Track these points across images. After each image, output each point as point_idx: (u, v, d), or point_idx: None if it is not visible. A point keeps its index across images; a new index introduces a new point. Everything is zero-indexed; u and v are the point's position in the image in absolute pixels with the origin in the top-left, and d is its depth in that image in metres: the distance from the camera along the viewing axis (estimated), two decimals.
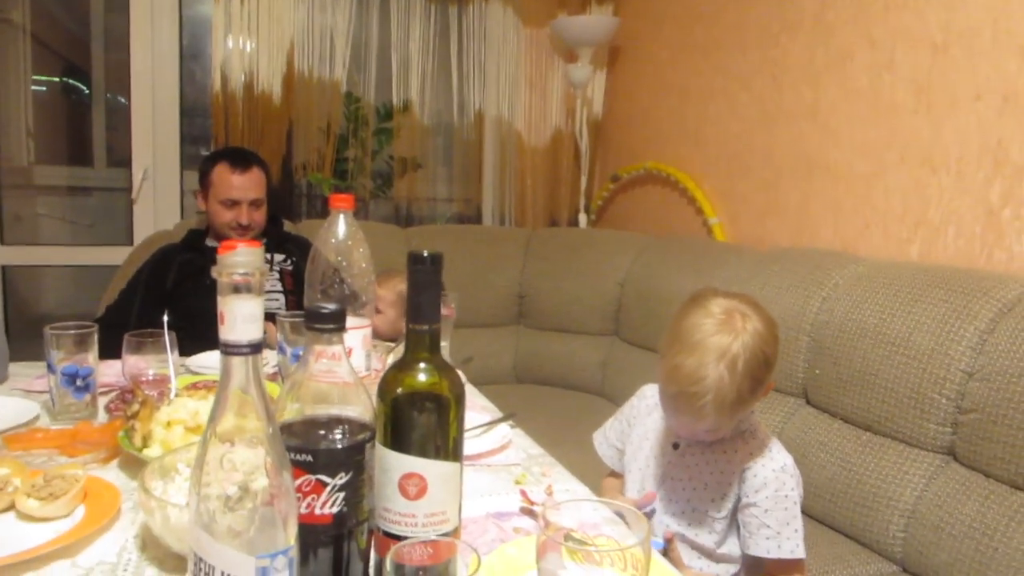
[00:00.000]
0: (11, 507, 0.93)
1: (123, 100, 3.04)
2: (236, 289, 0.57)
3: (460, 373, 0.91)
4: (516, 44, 3.40)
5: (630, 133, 3.34)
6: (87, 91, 3.25)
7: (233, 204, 2.19)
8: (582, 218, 3.45)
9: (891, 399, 1.63)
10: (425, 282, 0.74)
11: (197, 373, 1.55)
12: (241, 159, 2.23)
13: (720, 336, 1.11)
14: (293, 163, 3.12)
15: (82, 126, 3.30)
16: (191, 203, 3.12)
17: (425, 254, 0.73)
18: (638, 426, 1.38)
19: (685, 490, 1.25)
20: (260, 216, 2.24)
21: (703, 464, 1.24)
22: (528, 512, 1.01)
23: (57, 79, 3.30)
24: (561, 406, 2.63)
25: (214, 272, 0.58)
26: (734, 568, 1.24)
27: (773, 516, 1.17)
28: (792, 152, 2.39)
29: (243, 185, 2.19)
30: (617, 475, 1.44)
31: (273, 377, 1.46)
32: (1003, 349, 1.46)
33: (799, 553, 1.17)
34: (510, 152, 3.44)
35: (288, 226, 2.57)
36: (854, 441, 1.71)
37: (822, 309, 1.86)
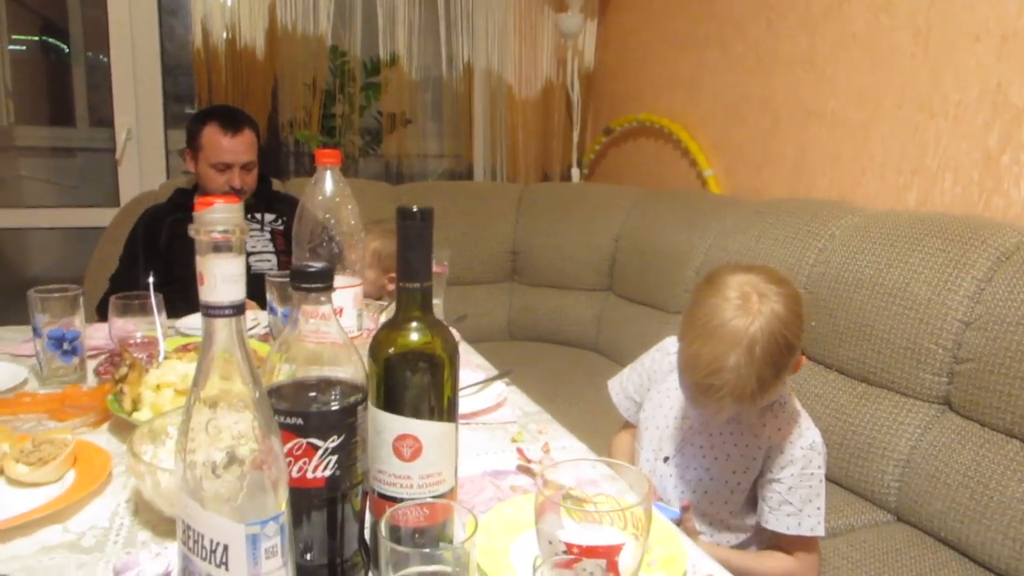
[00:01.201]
0: (0, 473, 0.92)
1: (104, 58, 2.96)
2: (216, 248, 0.55)
3: (454, 331, 0.89)
4: None
5: (622, 84, 3.28)
6: (66, 49, 3.16)
7: (225, 167, 2.13)
8: (575, 172, 3.40)
9: (887, 350, 1.63)
10: (415, 238, 0.71)
11: (187, 335, 1.53)
12: (232, 120, 2.16)
13: (736, 321, 1.04)
14: (279, 120, 3.05)
15: (63, 85, 3.21)
16: (176, 162, 3.06)
17: (415, 209, 0.70)
18: (660, 382, 1.34)
19: (705, 458, 1.21)
20: (252, 178, 2.20)
21: (727, 434, 1.20)
22: (525, 470, 1.01)
23: (35, 38, 3.21)
24: (556, 362, 2.63)
25: (191, 231, 0.55)
26: (745, 536, 1.23)
27: (797, 494, 1.14)
28: (788, 100, 2.35)
29: (235, 148, 2.13)
30: (630, 427, 1.42)
31: (265, 338, 1.45)
32: (1000, 298, 1.45)
33: (819, 531, 1.15)
34: (500, 105, 3.38)
35: (276, 185, 2.52)
36: (849, 392, 1.71)
37: (818, 261, 1.84)
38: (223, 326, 0.56)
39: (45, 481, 0.91)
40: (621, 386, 1.41)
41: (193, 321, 1.60)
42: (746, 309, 1.05)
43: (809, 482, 1.15)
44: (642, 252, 2.59)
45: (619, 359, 2.52)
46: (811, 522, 1.14)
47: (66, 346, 1.24)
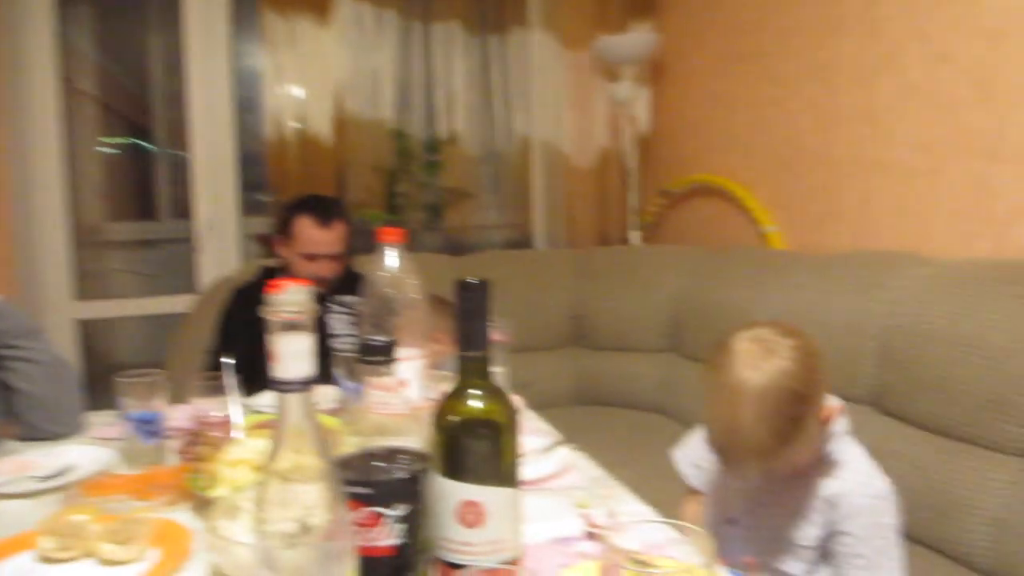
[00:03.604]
0: (90, 552, 0.96)
1: (184, 154, 3.17)
2: (287, 327, 0.59)
3: (519, 398, 0.90)
4: (558, 68, 3.42)
5: (678, 147, 3.31)
6: (150, 148, 3.40)
7: (314, 258, 2.21)
8: (633, 236, 3.42)
9: (967, 403, 1.56)
10: (474, 309, 0.74)
11: (261, 412, 1.58)
12: (325, 214, 2.23)
13: (743, 379, 1.08)
14: (346, 201, 3.19)
15: (146, 182, 3.44)
16: (252, 249, 3.21)
17: (473, 281, 0.73)
18: None
19: (771, 516, 1.20)
20: (339, 266, 2.27)
21: (790, 490, 1.18)
22: (592, 536, 1.00)
23: (124, 139, 3.47)
24: (623, 426, 2.60)
25: (264, 311, 0.60)
26: None
27: (869, 545, 1.11)
28: (848, 154, 2.33)
29: (326, 240, 2.21)
30: (697, 494, 1.40)
31: (335, 412, 1.49)
32: None
33: None
34: (557, 174, 3.45)
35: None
36: (930, 448, 1.64)
37: (889, 313, 1.80)
38: (294, 401, 0.59)
39: (129, 559, 0.95)
40: (684, 454, 1.41)
41: (267, 399, 1.65)
42: (752, 366, 1.08)
43: (881, 533, 1.11)
44: (706, 312, 2.57)
45: (687, 421, 2.47)
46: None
47: (149, 428, 1.31)
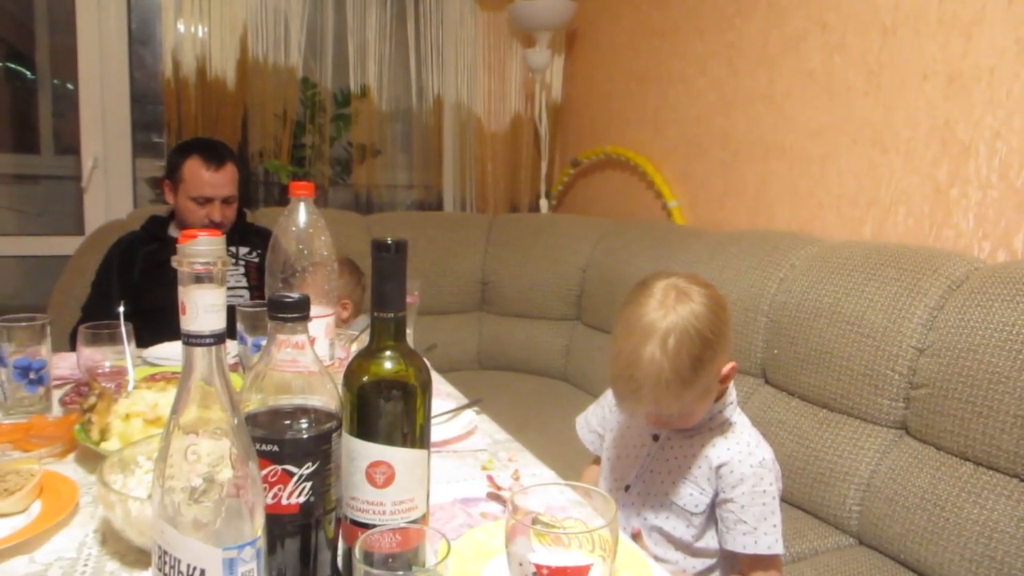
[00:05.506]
0: None
1: (70, 85, 2.94)
2: (198, 279, 0.57)
3: (424, 360, 0.90)
4: (474, 29, 3.38)
5: (589, 118, 3.35)
6: (31, 76, 3.14)
7: (206, 201, 2.12)
8: (543, 203, 3.46)
9: (846, 376, 1.68)
10: (390, 270, 0.73)
11: (155, 365, 1.52)
12: (215, 155, 2.14)
13: (653, 315, 1.11)
14: (249, 150, 3.06)
15: (27, 112, 3.19)
16: (144, 191, 3.05)
17: (389, 241, 0.72)
18: (619, 413, 1.37)
19: (664, 483, 1.24)
20: (232, 212, 2.18)
21: (681, 457, 1.23)
22: (495, 497, 1.02)
23: None
24: (525, 391, 2.65)
25: (175, 262, 0.57)
26: (711, 562, 1.24)
27: (750, 512, 1.17)
28: (749, 135, 2.43)
29: (217, 182, 2.12)
30: (599, 461, 1.44)
31: (234, 367, 1.44)
32: (952, 325, 1.51)
33: (776, 549, 1.16)
34: (470, 138, 3.43)
35: (248, 216, 2.52)
36: (811, 418, 1.76)
37: (779, 290, 1.90)
38: (203, 355, 0.57)
39: (10, 512, 0.90)
40: (586, 421, 1.44)
41: (161, 351, 1.59)
42: (664, 305, 1.12)
43: (762, 500, 1.17)
44: (610, 282, 2.63)
45: (588, 388, 2.55)
46: (768, 540, 1.16)
47: (32, 375, 1.23)
